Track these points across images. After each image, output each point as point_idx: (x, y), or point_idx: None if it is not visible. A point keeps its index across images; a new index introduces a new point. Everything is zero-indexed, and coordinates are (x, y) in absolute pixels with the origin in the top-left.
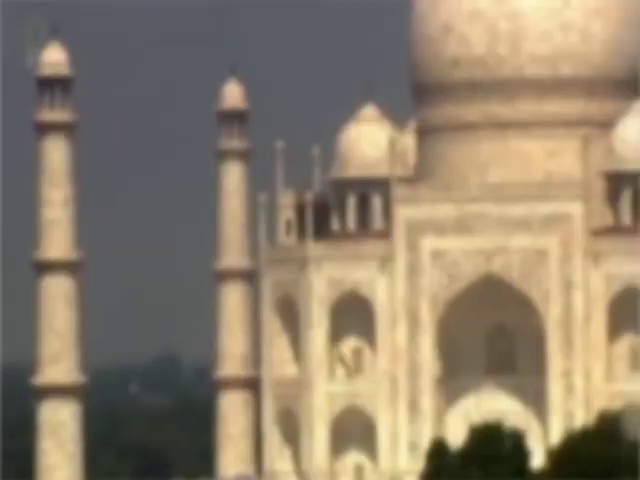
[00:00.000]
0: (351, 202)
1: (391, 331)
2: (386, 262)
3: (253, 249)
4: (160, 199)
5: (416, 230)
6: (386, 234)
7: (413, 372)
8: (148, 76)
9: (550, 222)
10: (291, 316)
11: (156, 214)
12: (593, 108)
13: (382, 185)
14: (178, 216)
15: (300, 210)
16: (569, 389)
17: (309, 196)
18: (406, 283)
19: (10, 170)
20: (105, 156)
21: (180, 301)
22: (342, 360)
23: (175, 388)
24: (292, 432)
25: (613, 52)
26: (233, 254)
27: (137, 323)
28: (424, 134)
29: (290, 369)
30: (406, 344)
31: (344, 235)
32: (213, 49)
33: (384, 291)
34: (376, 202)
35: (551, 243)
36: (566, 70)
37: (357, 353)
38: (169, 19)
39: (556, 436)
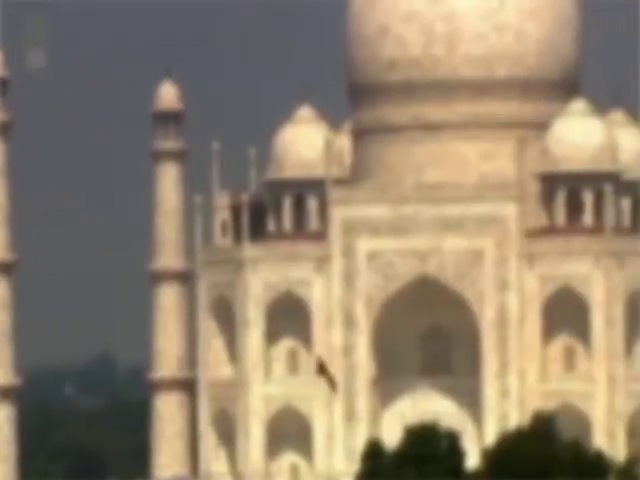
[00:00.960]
0: (287, 203)
1: (327, 332)
2: (322, 263)
3: (189, 250)
4: (96, 199)
5: (352, 231)
6: (322, 235)
7: (349, 373)
8: (85, 76)
9: (485, 223)
10: (227, 317)
11: (91, 214)
12: (528, 109)
13: (318, 186)
14: (113, 217)
15: (236, 211)
16: (504, 390)
17: (245, 197)
18: (342, 284)
19: None
20: (39, 156)
21: (115, 302)
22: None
23: (110, 389)
24: (228, 433)
25: (547, 53)
26: (169, 255)
27: (72, 324)
28: (360, 135)
29: (226, 370)
30: (342, 345)
31: (280, 236)
32: (149, 50)
33: (320, 292)
34: (312, 203)
35: (486, 244)
36: (501, 71)
37: (293, 354)
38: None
39: (491, 436)
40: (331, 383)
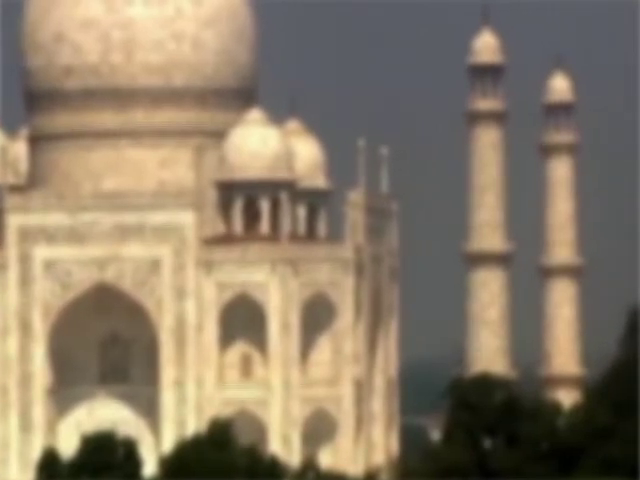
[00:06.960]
0: None
1: (2, 341)
2: None
3: None
4: None
5: (28, 239)
6: None
7: (24, 382)
8: None
9: (163, 231)
10: None
11: None
12: (205, 118)
13: None
14: None
15: None
16: (181, 397)
17: None
18: (18, 292)
19: None
20: None
21: None
22: None
23: None
24: None
25: (224, 62)
26: None
27: None
28: (36, 142)
29: None
30: (17, 354)
31: None
32: None
33: None
34: None
35: (164, 252)
36: (179, 80)
37: None
38: None
39: (168, 444)
40: None
